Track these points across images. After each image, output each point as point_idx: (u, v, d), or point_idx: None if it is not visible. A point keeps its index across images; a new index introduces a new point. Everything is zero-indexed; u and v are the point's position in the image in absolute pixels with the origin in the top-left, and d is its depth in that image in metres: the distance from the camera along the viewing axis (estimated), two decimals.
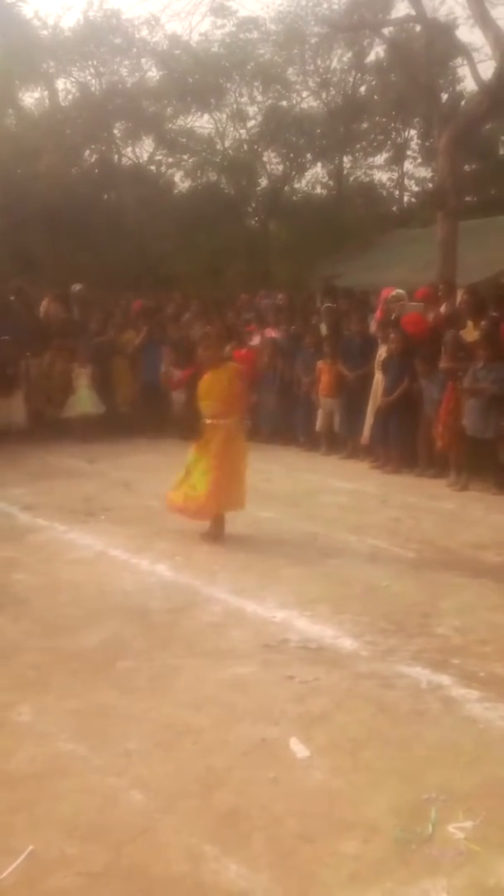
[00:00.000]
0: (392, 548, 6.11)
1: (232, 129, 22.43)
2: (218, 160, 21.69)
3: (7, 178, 16.65)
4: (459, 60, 18.57)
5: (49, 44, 19.26)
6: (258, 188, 22.28)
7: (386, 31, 18.16)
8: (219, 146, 22.22)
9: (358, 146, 23.81)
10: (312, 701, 3.66)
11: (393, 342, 8.84)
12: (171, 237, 18.72)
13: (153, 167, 21.76)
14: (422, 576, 5.45)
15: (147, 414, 11.02)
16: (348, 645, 4.29)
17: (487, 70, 14.46)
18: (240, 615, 4.72)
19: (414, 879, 2.53)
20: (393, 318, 9.31)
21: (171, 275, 18.08)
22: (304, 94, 22.74)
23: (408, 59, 17.70)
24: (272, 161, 22.59)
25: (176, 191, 21.89)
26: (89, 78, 20.95)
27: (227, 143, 22.36)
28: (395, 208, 25.14)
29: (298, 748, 3.26)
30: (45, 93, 20.60)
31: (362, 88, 23.08)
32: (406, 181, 25.21)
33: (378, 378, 9.12)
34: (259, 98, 21.84)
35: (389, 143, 23.96)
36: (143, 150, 21.95)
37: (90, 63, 20.67)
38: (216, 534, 6.23)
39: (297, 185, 23.62)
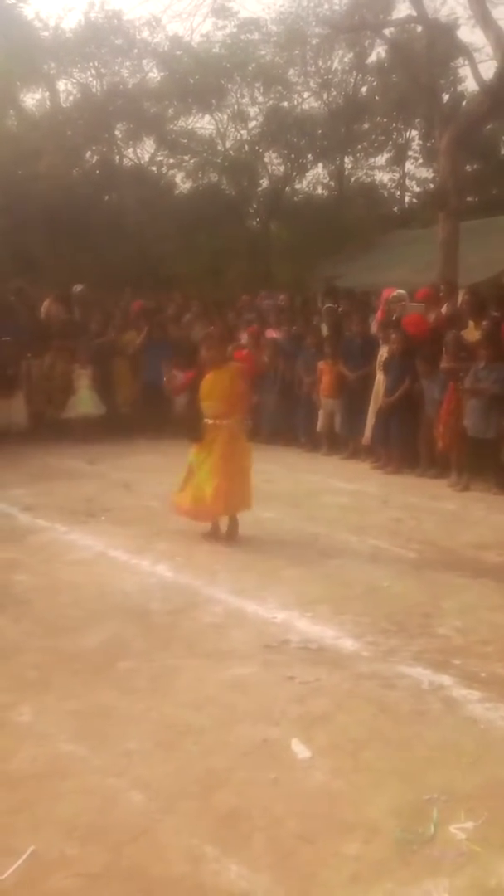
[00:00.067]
0: (393, 548, 6.10)
1: (233, 129, 22.45)
2: (219, 161, 21.68)
3: (8, 178, 16.66)
4: (461, 61, 18.55)
5: (50, 45, 19.26)
6: (259, 189, 22.27)
7: (387, 31, 18.14)
8: (220, 147, 22.22)
9: (359, 147, 23.80)
10: (313, 701, 3.65)
11: (394, 343, 8.84)
12: (172, 238, 18.71)
13: (154, 168, 21.76)
14: (423, 576, 5.44)
15: (147, 415, 11.02)
16: (349, 645, 4.29)
17: (488, 70, 14.46)
18: (240, 616, 4.71)
19: (415, 880, 2.52)
20: (394, 318, 9.30)
21: (171, 275, 18.08)
22: (306, 94, 22.76)
23: (409, 60, 17.69)
24: (273, 162, 22.61)
25: (177, 191, 21.89)
26: (90, 79, 20.97)
27: (228, 144, 22.38)
28: (396, 209, 25.12)
29: (299, 749, 3.25)
30: (46, 94, 20.62)
31: (363, 89, 23.08)
32: (407, 182, 25.22)
33: (379, 378, 9.11)
34: (260, 99, 21.85)
35: (391, 143, 23.94)
36: (144, 151, 21.98)
37: (91, 64, 20.67)
38: (231, 534, 6.27)
39: (298, 186, 23.63)
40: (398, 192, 25.43)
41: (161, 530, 6.45)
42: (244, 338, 10.94)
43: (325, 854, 2.64)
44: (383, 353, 9.08)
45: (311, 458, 9.86)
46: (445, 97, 19.25)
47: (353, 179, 24.52)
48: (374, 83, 22.56)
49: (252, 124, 22.11)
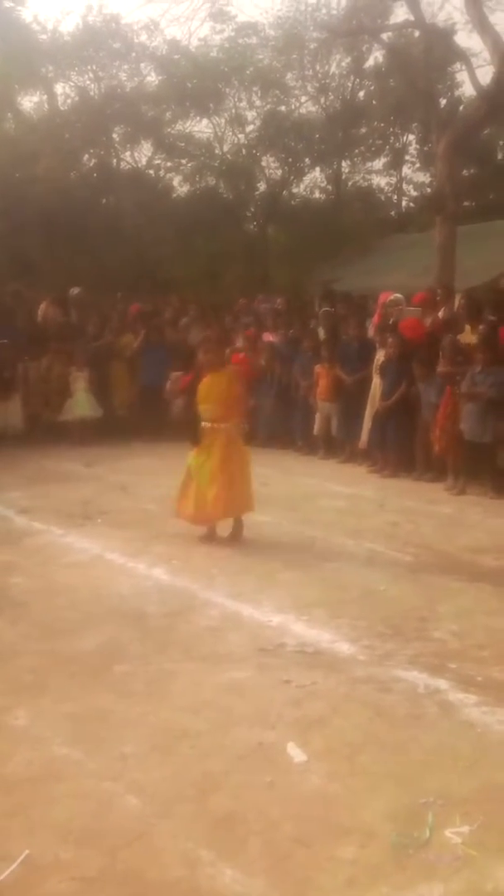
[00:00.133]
0: (389, 552, 6.10)
1: (231, 133, 22.47)
2: (216, 165, 21.70)
3: (5, 181, 16.65)
4: (458, 66, 18.59)
5: (48, 48, 19.26)
6: (257, 193, 22.30)
7: (385, 36, 18.22)
8: (217, 151, 22.23)
9: (356, 151, 23.83)
10: (309, 705, 3.65)
11: (391, 346, 8.85)
12: (170, 241, 18.73)
13: (152, 171, 21.76)
14: (419, 580, 5.44)
15: (144, 418, 11.02)
16: (345, 649, 4.29)
17: (486, 75, 14.52)
18: (237, 619, 4.71)
19: (411, 884, 2.52)
20: (391, 322, 9.32)
21: (169, 279, 18.10)
22: (303, 98, 22.79)
23: (406, 65, 17.75)
24: (271, 166, 22.64)
25: (174, 195, 21.90)
26: (88, 82, 20.96)
27: (225, 148, 22.39)
28: (393, 213, 25.15)
29: (295, 752, 3.25)
30: (44, 97, 20.61)
31: (361, 93, 23.12)
32: (404, 186, 25.26)
33: (376, 382, 9.13)
34: (258, 103, 21.88)
35: (388, 147, 23.98)
36: (142, 155, 21.98)
37: (89, 67, 20.68)
38: (235, 536, 6.30)
39: (295, 190, 23.65)
40: (395, 197, 25.48)
41: (158, 533, 6.44)
42: (241, 341, 10.95)
43: (320, 858, 2.64)
44: (380, 356, 9.09)
45: (307, 461, 9.87)
46: (443, 102, 19.33)
47: (350, 183, 24.55)
48: (372, 87, 22.61)
49: (250, 128, 22.16)
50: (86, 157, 20.40)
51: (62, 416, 10.76)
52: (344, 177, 24.17)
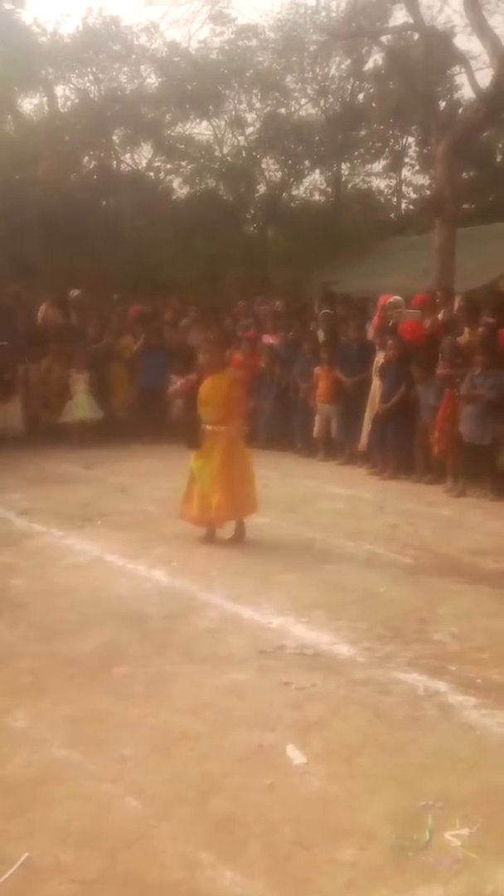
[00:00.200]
0: (389, 554, 6.10)
1: (230, 135, 22.46)
2: (216, 167, 21.70)
3: (5, 183, 16.65)
4: (457, 68, 18.58)
5: (48, 50, 19.26)
6: (256, 195, 22.30)
7: (384, 39, 18.23)
8: (217, 153, 22.23)
9: (356, 153, 23.83)
10: (309, 707, 3.65)
11: (390, 349, 8.86)
12: (170, 243, 18.73)
13: (151, 173, 21.77)
14: (419, 582, 5.45)
15: (144, 419, 11.02)
16: (345, 651, 4.28)
17: (485, 78, 14.53)
18: (236, 621, 4.71)
19: (410, 887, 2.52)
20: (390, 324, 9.32)
21: (169, 280, 18.09)
22: (303, 101, 22.79)
23: (406, 67, 17.75)
24: (270, 168, 22.62)
25: (174, 197, 21.89)
26: (88, 84, 20.97)
27: (225, 150, 22.39)
28: (392, 215, 25.16)
29: (295, 755, 3.25)
30: (44, 99, 20.62)
31: (360, 96, 23.12)
32: (404, 188, 25.25)
33: (375, 384, 9.13)
34: (257, 105, 21.87)
35: (387, 150, 23.98)
36: (142, 157, 21.97)
37: (89, 69, 20.68)
38: (238, 538, 6.30)
39: (295, 192, 23.63)
40: (395, 199, 25.48)
41: (157, 535, 6.45)
42: (240, 352, 10.93)
43: (320, 860, 2.63)
44: (379, 358, 9.10)
45: (307, 463, 9.87)
46: (442, 104, 19.33)
47: (349, 186, 24.56)
48: (371, 90, 22.61)
49: (249, 130, 22.16)
50: (86, 159, 20.41)
51: (62, 418, 10.76)
52: (343, 179, 24.17)
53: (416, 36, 16.90)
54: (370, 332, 9.78)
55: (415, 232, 20.83)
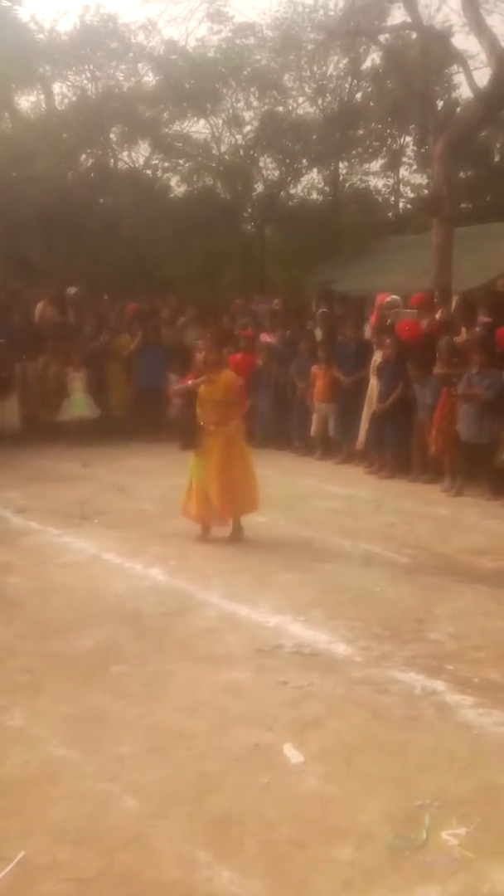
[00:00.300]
0: (386, 553, 6.11)
1: (228, 134, 22.42)
2: (214, 165, 21.68)
3: (3, 181, 16.61)
4: (455, 68, 18.54)
5: (45, 47, 19.21)
6: (254, 193, 22.26)
7: (382, 38, 18.21)
8: (215, 151, 22.21)
9: (354, 152, 23.82)
10: (306, 706, 3.65)
11: (388, 348, 8.86)
12: (167, 241, 18.71)
13: (149, 171, 21.73)
14: (416, 581, 5.45)
15: (141, 418, 11.01)
16: (342, 650, 4.29)
17: (483, 77, 14.52)
18: (233, 620, 4.71)
19: (407, 886, 2.52)
20: (388, 323, 9.32)
21: (166, 279, 18.07)
22: (301, 99, 22.75)
23: (403, 67, 17.74)
24: (268, 166, 22.59)
25: (172, 195, 21.85)
26: (86, 82, 20.92)
27: (223, 148, 22.37)
28: (390, 214, 25.16)
29: (292, 754, 3.25)
30: (42, 96, 20.58)
31: (358, 95, 23.10)
32: (402, 188, 25.24)
33: (373, 383, 9.13)
34: (255, 103, 21.82)
35: (385, 149, 23.98)
36: (139, 155, 21.93)
37: (86, 67, 20.63)
38: (236, 536, 6.31)
39: (292, 191, 23.62)
40: (392, 198, 25.49)
41: (155, 534, 6.44)
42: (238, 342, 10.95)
43: (316, 860, 2.63)
44: (377, 358, 9.10)
45: (304, 462, 9.87)
46: (440, 104, 19.34)
47: (347, 185, 24.55)
48: (369, 89, 22.60)
49: (247, 129, 22.12)
50: (83, 156, 20.37)
51: (59, 416, 10.75)
52: (341, 178, 24.17)
53: (414, 35, 16.88)
54: (368, 332, 9.78)
55: (412, 231, 20.84)
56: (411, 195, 24.98)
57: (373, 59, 21.59)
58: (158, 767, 3.16)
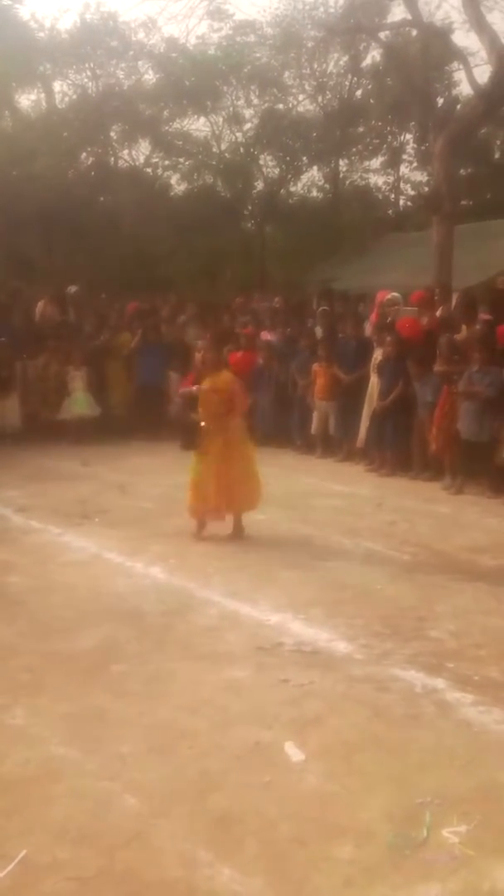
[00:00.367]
0: (387, 551, 6.11)
1: (228, 132, 22.44)
2: (214, 163, 21.68)
3: (3, 179, 16.62)
4: (455, 65, 18.54)
5: (46, 46, 19.22)
6: (254, 191, 22.28)
7: (382, 35, 18.18)
8: (215, 149, 22.21)
9: (354, 150, 23.82)
10: (307, 704, 3.65)
11: (388, 346, 8.85)
12: (167, 239, 18.71)
13: (149, 170, 21.74)
14: (416, 579, 5.45)
15: (142, 416, 11.01)
16: (343, 648, 4.29)
17: (483, 74, 14.51)
18: (234, 618, 4.71)
19: (408, 884, 2.52)
20: (388, 321, 9.32)
21: (166, 277, 18.08)
22: (301, 97, 22.76)
23: (404, 64, 17.71)
24: (268, 164, 22.61)
25: (172, 193, 21.87)
26: (86, 80, 20.94)
27: (223, 146, 22.37)
28: (390, 212, 25.15)
29: (293, 752, 3.25)
30: (42, 95, 20.60)
31: (358, 92, 23.11)
32: (402, 185, 25.26)
33: (373, 381, 9.13)
34: (255, 101, 21.84)
35: (385, 146, 23.98)
36: (140, 153, 21.96)
37: (87, 65, 20.64)
38: (236, 534, 6.33)
39: (293, 189, 23.64)
40: (393, 196, 25.51)
41: (155, 532, 6.44)
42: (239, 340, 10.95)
43: (317, 858, 2.63)
44: (377, 355, 9.09)
45: (305, 460, 9.86)
46: (440, 101, 19.26)
47: (347, 182, 24.55)
48: (369, 86, 22.60)
49: (247, 126, 22.13)
50: (83, 155, 20.38)
51: (60, 415, 10.75)
52: (341, 175, 24.17)
53: (415, 32, 16.85)
54: (368, 329, 9.77)
55: (413, 229, 20.83)
56: (411, 192, 25.00)
57: (373, 56, 21.63)
58: (159, 766, 3.16)
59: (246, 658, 4.14)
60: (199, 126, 22.06)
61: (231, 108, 21.83)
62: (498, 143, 23.19)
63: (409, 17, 15.47)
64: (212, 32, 21.03)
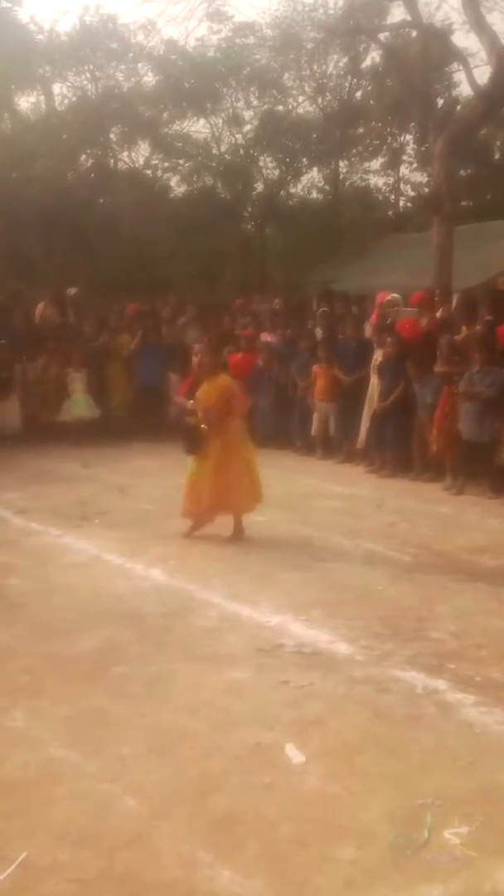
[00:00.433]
0: (387, 552, 6.10)
1: (228, 133, 22.44)
2: (214, 165, 21.69)
3: (3, 181, 16.64)
4: (455, 66, 18.54)
5: (45, 48, 19.23)
6: (254, 193, 22.28)
7: (382, 36, 18.21)
8: (215, 151, 22.22)
9: (354, 151, 23.82)
10: (307, 706, 3.64)
11: (389, 346, 8.85)
12: (167, 241, 18.72)
13: (149, 171, 21.75)
14: (417, 580, 5.44)
15: (142, 418, 11.01)
16: (343, 649, 4.28)
17: (483, 75, 14.53)
18: (235, 620, 4.70)
19: (409, 886, 2.51)
20: (388, 322, 9.32)
21: (166, 279, 18.09)
22: (301, 98, 22.76)
23: (403, 65, 17.73)
24: (268, 166, 22.62)
25: (172, 195, 21.88)
26: (85, 82, 20.94)
27: (223, 148, 22.38)
28: (391, 213, 25.15)
29: (293, 753, 3.24)
30: (41, 97, 20.61)
31: (358, 93, 23.11)
32: (402, 186, 25.26)
33: (373, 382, 9.13)
34: (255, 103, 21.84)
35: (385, 148, 23.98)
36: (139, 155, 21.97)
37: (86, 67, 20.65)
38: (236, 535, 6.33)
39: (293, 190, 23.65)
40: (393, 197, 25.50)
41: (155, 534, 6.44)
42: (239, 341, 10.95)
43: (318, 859, 2.63)
44: (378, 356, 9.09)
45: (305, 461, 9.86)
46: (440, 102, 19.29)
47: (347, 184, 24.55)
48: (369, 88, 22.61)
49: (247, 128, 22.14)
50: (83, 157, 20.39)
51: (60, 417, 10.75)
52: (341, 177, 24.18)
53: (414, 33, 16.88)
54: (368, 330, 9.77)
55: (413, 230, 20.84)
56: (412, 193, 25.00)
57: (373, 57, 21.63)
58: (159, 768, 3.16)
59: (246, 659, 4.13)
60: (198, 128, 22.10)
61: (231, 110, 21.85)
62: (498, 143, 23.20)
63: (408, 18, 15.50)
64: (211, 34, 21.08)
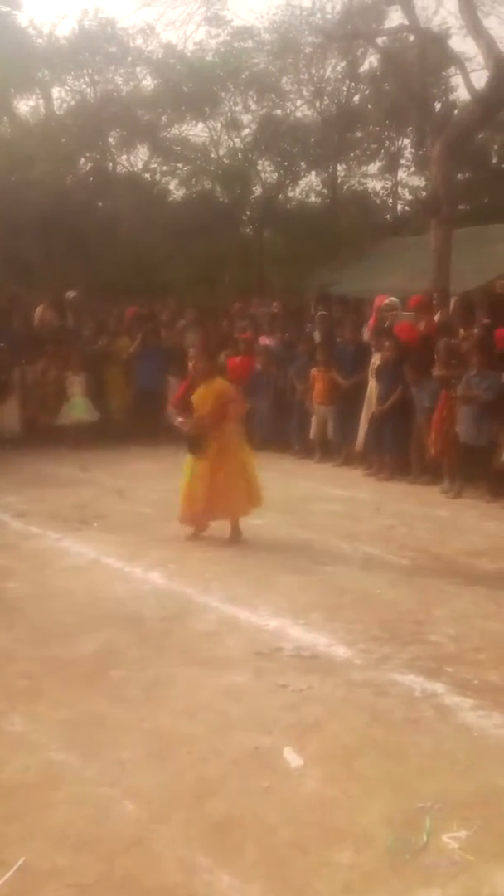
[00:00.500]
0: (386, 555, 6.11)
1: (226, 137, 22.48)
2: (212, 168, 21.72)
3: (2, 185, 16.65)
4: (452, 70, 18.61)
5: (44, 52, 19.26)
6: (252, 196, 22.31)
7: (379, 40, 18.23)
8: (213, 154, 22.26)
9: (352, 155, 23.86)
10: (306, 709, 3.65)
11: (387, 350, 8.87)
12: (166, 245, 18.74)
13: (148, 175, 21.79)
14: (415, 583, 5.45)
15: (141, 421, 11.01)
16: (342, 653, 4.28)
17: (480, 79, 14.54)
18: (233, 623, 4.70)
19: (408, 889, 2.52)
20: (386, 326, 9.33)
21: (165, 282, 18.11)
22: (299, 102, 22.80)
23: (401, 69, 17.75)
24: (266, 169, 22.65)
25: (170, 199, 21.91)
26: (84, 86, 20.98)
27: (221, 152, 22.41)
28: (388, 217, 25.17)
29: (292, 757, 3.25)
30: (40, 101, 20.65)
31: (356, 97, 23.14)
32: (400, 190, 25.28)
33: (372, 386, 9.14)
34: (253, 107, 21.88)
35: (383, 151, 24.01)
36: (138, 159, 22.01)
37: (85, 71, 20.68)
38: (234, 539, 6.33)
39: (291, 194, 23.68)
40: (391, 200, 25.51)
41: (154, 537, 6.44)
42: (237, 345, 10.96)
43: (317, 863, 2.63)
44: (376, 360, 9.11)
45: (303, 464, 9.86)
46: (437, 106, 19.31)
47: (345, 187, 24.58)
48: (367, 92, 22.64)
49: (245, 132, 22.17)
50: (82, 160, 20.43)
51: (59, 420, 10.75)
52: (339, 181, 24.21)
53: (412, 38, 16.92)
54: (366, 334, 9.78)
55: (411, 233, 20.85)
56: (409, 197, 25.01)
57: (370, 61, 21.68)
58: (158, 772, 3.16)
59: (245, 663, 4.14)
60: (197, 132, 22.14)
61: (229, 114, 21.89)
62: (495, 147, 23.23)
63: (406, 22, 15.53)
64: (210, 38, 21.13)
